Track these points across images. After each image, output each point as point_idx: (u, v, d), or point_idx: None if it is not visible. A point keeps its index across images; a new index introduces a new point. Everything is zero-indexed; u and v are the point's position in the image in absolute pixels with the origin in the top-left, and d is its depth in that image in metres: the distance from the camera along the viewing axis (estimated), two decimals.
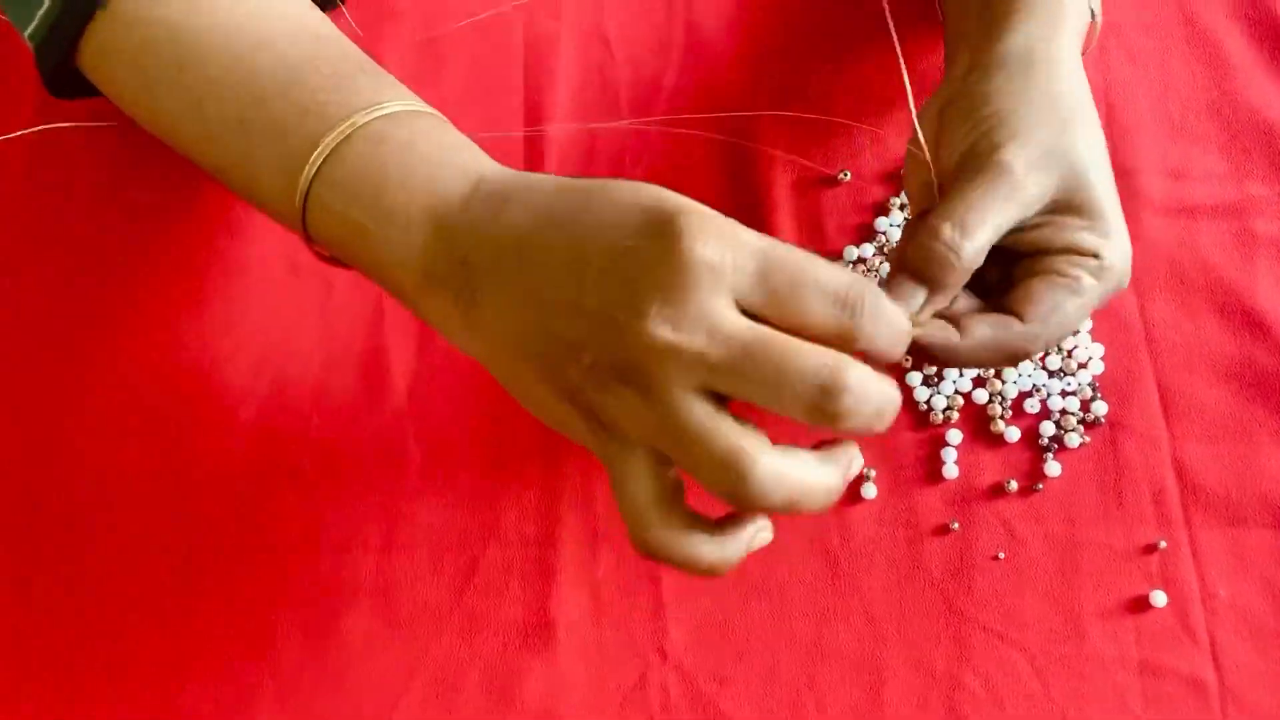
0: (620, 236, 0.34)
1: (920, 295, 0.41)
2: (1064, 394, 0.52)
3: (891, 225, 0.54)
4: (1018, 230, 0.42)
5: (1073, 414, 0.52)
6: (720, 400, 0.34)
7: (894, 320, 0.35)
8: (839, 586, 0.51)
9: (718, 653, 0.50)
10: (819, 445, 0.37)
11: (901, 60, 0.44)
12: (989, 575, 0.50)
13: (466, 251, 0.37)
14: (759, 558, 0.50)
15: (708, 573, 0.37)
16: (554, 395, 0.37)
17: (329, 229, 0.41)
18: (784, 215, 0.55)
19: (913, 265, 0.41)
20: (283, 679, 0.50)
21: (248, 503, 0.52)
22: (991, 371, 0.53)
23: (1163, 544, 0.50)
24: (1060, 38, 0.45)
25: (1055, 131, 0.42)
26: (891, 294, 0.40)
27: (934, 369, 0.53)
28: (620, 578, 0.51)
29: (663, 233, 0.33)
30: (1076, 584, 0.50)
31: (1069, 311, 0.42)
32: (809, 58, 0.57)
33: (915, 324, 0.40)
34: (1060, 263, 0.42)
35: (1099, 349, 0.53)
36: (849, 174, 0.55)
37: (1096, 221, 0.42)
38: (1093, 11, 0.48)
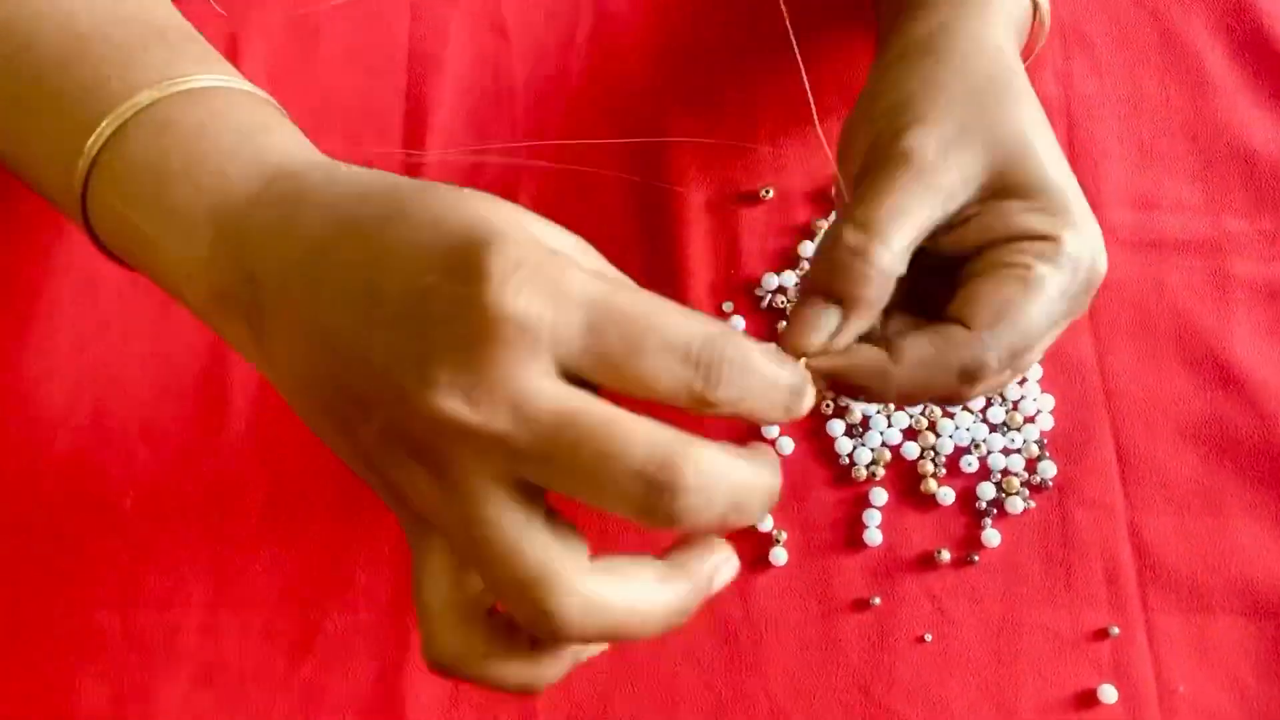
0: (420, 268, 0.27)
1: (834, 317, 0.34)
2: (1006, 451, 0.46)
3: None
4: (951, 228, 0.36)
5: (1016, 475, 0.45)
6: (534, 493, 0.27)
7: (768, 375, 0.28)
8: (738, 667, 0.44)
9: None
10: (673, 547, 0.30)
11: (800, 60, 0.37)
12: (913, 660, 0.44)
13: (253, 265, 0.30)
14: None
15: (518, 692, 0.30)
16: (350, 453, 0.30)
17: (110, 232, 0.34)
18: (696, 237, 0.48)
19: (821, 283, 0.34)
20: None
21: (56, 547, 0.45)
22: (924, 423, 0.46)
23: (1115, 630, 0.44)
24: (982, 23, 0.38)
25: (974, 108, 0.36)
26: (801, 321, 0.34)
27: (858, 419, 0.46)
28: None
29: (466, 274, 0.26)
30: (1014, 673, 0.44)
31: (1025, 310, 0.34)
32: (730, 53, 0.50)
33: (827, 352, 0.34)
34: (1007, 253, 0.35)
35: (1049, 401, 0.46)
36: (772, 191, 0.48)
37: (1044, 199, 0.35)
38: (1036, 3, 0.41)
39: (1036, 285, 0.34)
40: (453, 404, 0.26)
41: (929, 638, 0.44)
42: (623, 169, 0.49)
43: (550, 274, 0.27)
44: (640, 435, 0.26)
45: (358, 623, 0.44)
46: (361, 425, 0.29)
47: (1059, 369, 0.47)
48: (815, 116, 0.37)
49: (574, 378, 0.27)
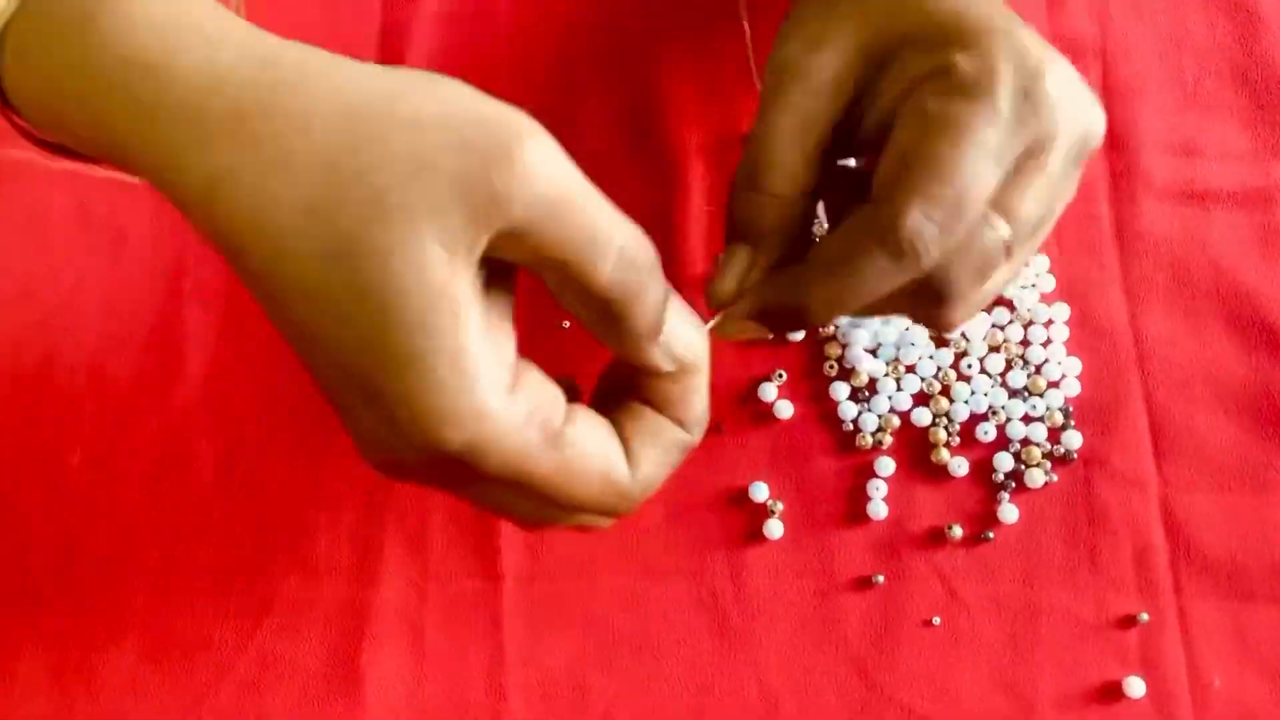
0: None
1: (743, 255, 0.33)
2: (1027, 419, 0.42)
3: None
4: (861, 121, 0.33)
5: (1037, 445, 0.41)
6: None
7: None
8: (726, 648, 0.40)
9: None
10: None
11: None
12: (919, 645, 0.40)
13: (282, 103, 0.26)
14: (627, 608, 0.41)
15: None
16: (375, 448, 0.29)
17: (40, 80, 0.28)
18: (691, 179, 0.44)
19: (729, 225, 0.34)
20: None
21: None
22: (937, 388, 0.42)
23: (1144, 617, 0.40)
24: None
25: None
26: (716, 269, 0.33)
27: (864, 382, 0.42)
28: (452, 626, 0.41)
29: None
30: (1031, 662, 0.40)
31: (932, 151, 0.30)
32: None
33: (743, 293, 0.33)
34: (902, 106, 0.31)
35: (1075, 365, 0.42)
36: None
37: (934, 35, 0.31)
38: None
39: (941, 126, 0.30)
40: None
41: (937, 621, 0.40)
42: (616, 110, 0.45)
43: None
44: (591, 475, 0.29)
45: (315, 591, 0.41)
46: (364, 406, 0.27)
47: (1087, 330, 0.43)
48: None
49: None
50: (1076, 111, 0.32)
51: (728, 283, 0.33)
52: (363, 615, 0.41)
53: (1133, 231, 0.43)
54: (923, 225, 0.30)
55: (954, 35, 0.31)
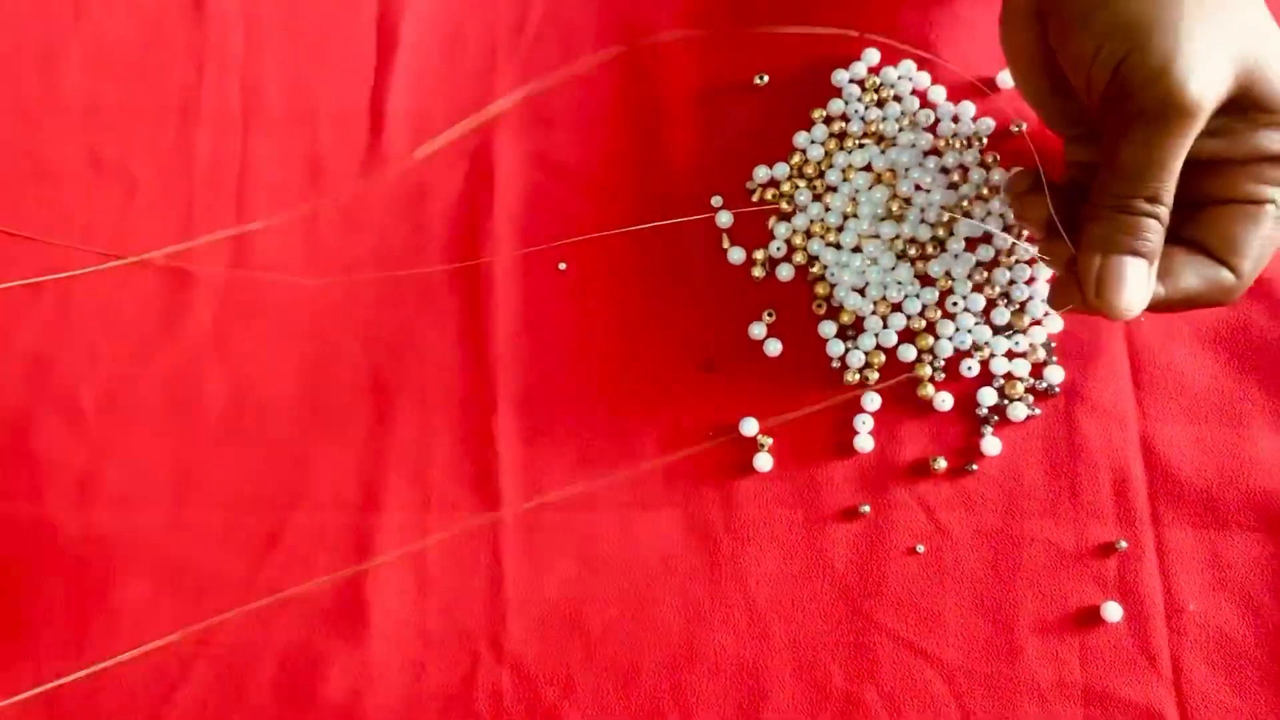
0: None
1: (1146, 271, 0.36)
2: (1010, 355, 0.43)
3: (812, 142, 0.44)
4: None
5: (1020, 380, 0.42)
6: None
7: None
8: (717, 576, 0.42)
9: (564, 650, 0.41)
10: None
11: None
12: (904, 572, 0.41)
13: None
14: (622, 538, 0.42)
15: None
16: None
17: None
18: (683, 128, 0.45)
19: (1124, 245, 0.36)
20: (41, 655, 0.42)
21: (13, 442, 0.43)
22: (922, 324, 0.43)
23: (1123, 545, 0.41)
24: None
25: (1212, 23, 0.34)
26: (1120, 273, 0.36)
27: (850, 319, 0.43)
28: (453, 555, 0.42)
29: None
30: (1012, 589, 0.41)
31: (1273, 243, 0.37)
32: None
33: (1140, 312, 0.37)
34: (1248, 179, 0.36)
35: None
36: (766, 77, 0.45)
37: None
38: None
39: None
40: None
41: (921, 549, 0.41)
42: (610, 56, 0.46)
43: None
44: None
45: (321, 524, 0.42)
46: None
47: None
48: None
49: None
50: None
51: (1142, 296, 0.36)
52: (366, 547, 0.42)
53: None
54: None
55: None
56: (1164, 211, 0.35)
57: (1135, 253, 0.35)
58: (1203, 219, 0.37)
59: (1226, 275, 0.36)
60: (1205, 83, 0.33)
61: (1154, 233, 0.35)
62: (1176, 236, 0.37)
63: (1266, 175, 0.36)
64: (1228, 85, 0.34)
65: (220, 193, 0.45)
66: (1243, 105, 0.35)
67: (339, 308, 0.44)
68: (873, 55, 0.45)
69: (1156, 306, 0.36)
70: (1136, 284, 0.35)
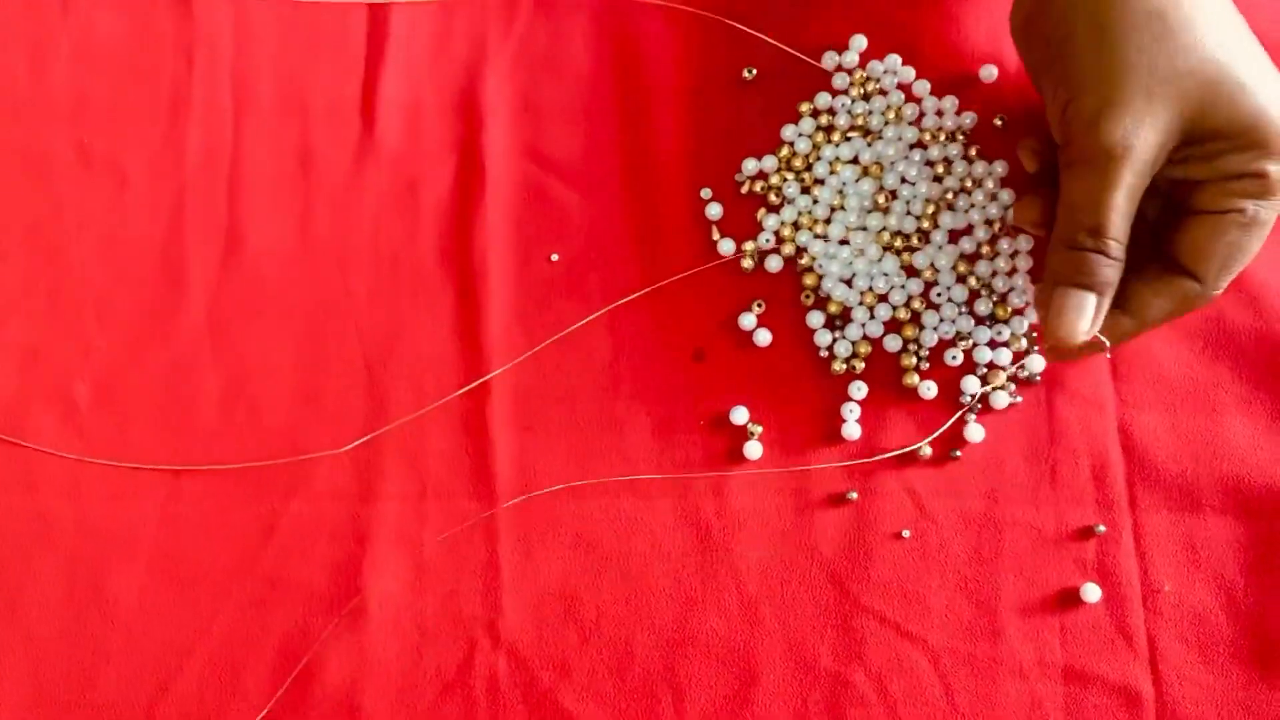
0: None
1: (1091, 302, 0.38)
2: (993, 344, 0.44)
3: (800, 135, 0.45)
4: (1159, 174, 0.38)
5: (1002, 368, 0.43)
6: None
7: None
8: (708, 562, 0.43)
9: (560, 636, 0.42)
10: None
11: None
12: (890, 557, 0.42)
13: None
14: (615, 525, 0.43)
15: None
16: None
17: None
18: (674, 120, 0.46)
19: (1069, 276, 0.38)
20: (36, 645, 0.42)
21: (5, 433, 0.43)
22: (907, 315, 0.44)
23: (1101, 529, 0.42)
24: None
25: (1149, 64, 0.37)
26: (1066, 310, 0.39)
27: (837, 310, 0.44)
28: (450, 542, 0.43)
29: None
30: (994, 572, 0.42)
31: (1247, 250, 0.38)
32: None
33: (1086, 338, 0.39)
34: (1217, 195, 0.38)
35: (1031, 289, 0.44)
36: (754, 71, 0.46)
37: (1243, 136, 0.37)
38: None
39: (1256, 226, 0.38)
40: None
41: (907, 534, 0.43)
42: (600, 48, 0.47)
43: None
44: None
45: (316, 513, 0.43)
46: None
47: None
48: None
49: None
50: None
51: (1086, 325, 0.38)
52: (363, 535, 0.43)
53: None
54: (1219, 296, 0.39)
55: (1263, 141, 0.37)
56: (1113, 245, 0.37)
57: (1080, 285, 0.38)
58: (1173, 232, 0.39)
59: (1192, 286, 0.38)
60: (1134, 130, 0.37)
61: (1102, 266, 0.38)
62: (1154, 253, 0.39)
63: (1233, 189, 0.37)
64: (1167, 128, 0.37)
65: (211, 185, 0.46)
66: (1198, 136, 0.37)
67: (333, 298, 0.45)
68: (861, 41, 0.46)
69: (1127, 337, 0.39)
70: (1078, 314, 0.38)
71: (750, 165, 0.45)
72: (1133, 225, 0.38)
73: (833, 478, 0.43)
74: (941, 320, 0.44)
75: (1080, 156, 0.38)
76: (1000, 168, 0.44)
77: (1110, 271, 0.38)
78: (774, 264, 0.45)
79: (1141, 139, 0.37)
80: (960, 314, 0.44)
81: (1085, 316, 0.38)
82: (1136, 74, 0.37)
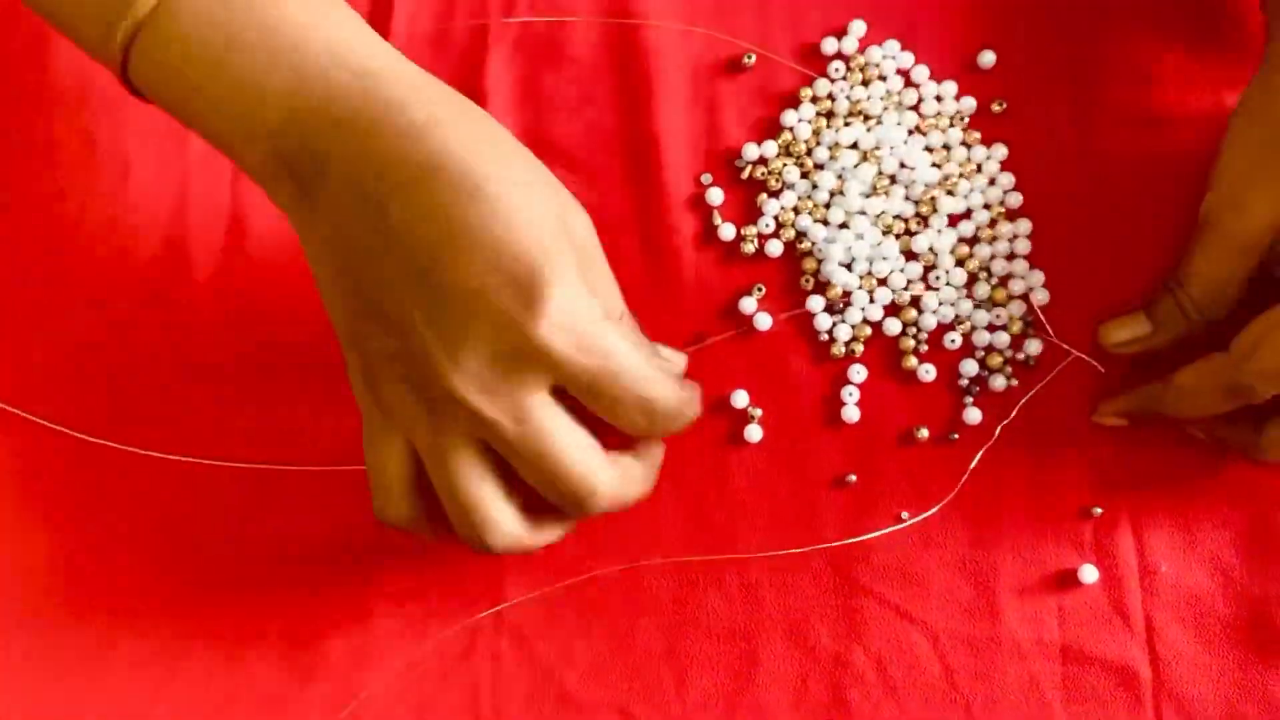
0: (488, 267, 0.33)
1: (1140, 322, 0.42)
2: (992, 328, 0.44)
3: (800, 120, 0.45)
4: None
5: (1000, 352, 0.44)
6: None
7: (681, 418, 0.37)
8: (710, 545, 0.43)
9: (561, 619, 0.42)
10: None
11: None
12: (889, 539, 0.43)
13: (327, 148, 0.34)
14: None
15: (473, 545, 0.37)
16: (347, 335, 0.36)
17: (158, 83, 0.36)
18: (672, 106, 0.46)
19: (1146, 304, 0.42)
20: (41, 633, 0.42)
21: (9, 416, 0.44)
22: (907, 299, 0.44)
23: (1098, 510, 0.43)
24: None
25: (1262, 162, 0.39)
26: (1121, 323, 0.42)
27: (838, 295, 0.44)
28: None
29: (528, 299, 0.33)
30: (993, 553, 0.43)
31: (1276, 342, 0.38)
32: None
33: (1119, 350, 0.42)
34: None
35: (1038, 277, 0.44)
36: (754, 57, 0.46)
37: None
38: None
39: None
40: (470, 391, 0.33)
41: (905, 516, 0.43)
42: (599, 35, 0.47)
43: (588, 330, 0.34)
44: (575, 468, 0.35)
45: (322, 480, 0.43)
46: (374, 338, 0.35)
47: (1048, 242, 0.45)
48: None
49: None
50: None
51: (1117, 336, 0.42)
52: (367, 502, 0.43)
53: (1093, 153, 0.46)
54: (1261, 386, 0.38)
55: None
56: (1184, 298, 0.41)
57: (1144, 307, 0.42)
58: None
59: (1217, 356, 0.39)
60: (1251, 221, 0.39)
61: (1167, 305, 0.41)
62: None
63: None
64: (1269, 216, 0.39)
65: (215, 171, 0.46)
66: None
67: None
68: (860, 27, 0.46)
69: (1169, 408, 0.41)
70: (1121, 325, 0.42)
71: (751, 151, 0.45)
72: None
73: (832, 460, 0.43)
74: (940, 304, 0.44)
75: (1208, 235, 0.40)
76: (1000, 151, 0.45)
77: (1171, 314, 0.41)
78: (774, 249, 0.45)
79: (1243, 223, 0.39)
80: (960, 298, 0.44)
81: (1125, 329, 0.42)
82: (1267, 175, 0.39)
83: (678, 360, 0.40)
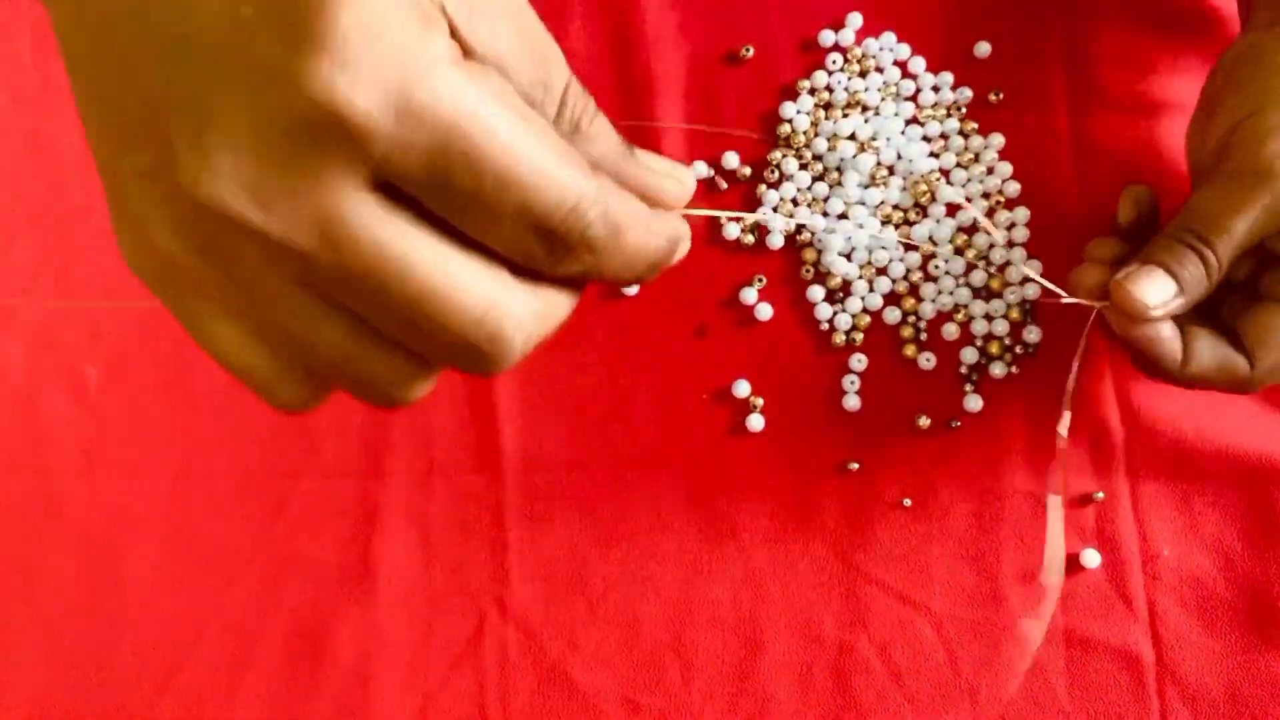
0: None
1: (1172, 288, 0.36)
2: (990, 317, 0.44)
3: (799, 113, 0.46)
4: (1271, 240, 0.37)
5: (999, 339, 0.44)
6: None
7: (634, 247, 0.25)
8: (713, 533, 0.43)
9: (568, 608, 0.43)
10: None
11: None
12: (891, 525, 0.43)
13: None
14: (620, 497, 0.43)
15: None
16: (104, 170, 0.25)
17: None
18: (671, 99, 0.46)
19: (1162, 260, 0.36)
20: (48, 622, 0.42)
21: (20, 419, 0.44)
22: (906, 288, 0.44)
23: (1099, 495, 0.43)
24: None
25: None
26: (1146, 281, 0.36)
27: (838, 284, 0.44)
28: (457, 516, 0.43)
29: (295, 32, 0.20)
30: (995, 539, 0.43)
31: None
32: None
33: (1152, 318, 0.37)
34: None
35: (1037, 265, 0.45)
36: (752, 50, 0.47)
37: None
38: None
39: None
40: (231, 197, 0.21)
41: (908, 503, 0.43)
42: (598, 28, 0.47)
43: (408, 69, 0.21)
44: (469, 298, 0.23)
45: (325, 490, 0.43)
46: (127, 155, 0.23)
47: (1046, 230, 0.45)
48: None
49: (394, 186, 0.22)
50: None
51: (1156, 299, 0.36)
52: (372, 512, 0.43)
53: (1088, 141, 0.46)
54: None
55: None
56: (1210, 256, 0.36)
57: (1166, 268, 0.36)
58: (1249, 310, 0.38)
59: (1242, 365, 0.37)
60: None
61: (1192, 263, 0.36)
62: (1222, 324, 0.38)
63: None
64: None
65: None
66: None
67: None
68: (856, 19, 0.46)
69: (1170, 379, 0.38)
70: (1152, 289, 0.36)
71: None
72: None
73: (834, 448, 0.44)
74: (939, 293, 0.44)
75: (1232, 169, 0.36)
76: (997, 140, 0.45)
77: (1199, 274, 0.36)
78: (774, 240, 0.45)
79: None
80: (958, 287, 0.45)
81: (1159, 295, 0.36)
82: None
83: (677, 175, 0.28)
